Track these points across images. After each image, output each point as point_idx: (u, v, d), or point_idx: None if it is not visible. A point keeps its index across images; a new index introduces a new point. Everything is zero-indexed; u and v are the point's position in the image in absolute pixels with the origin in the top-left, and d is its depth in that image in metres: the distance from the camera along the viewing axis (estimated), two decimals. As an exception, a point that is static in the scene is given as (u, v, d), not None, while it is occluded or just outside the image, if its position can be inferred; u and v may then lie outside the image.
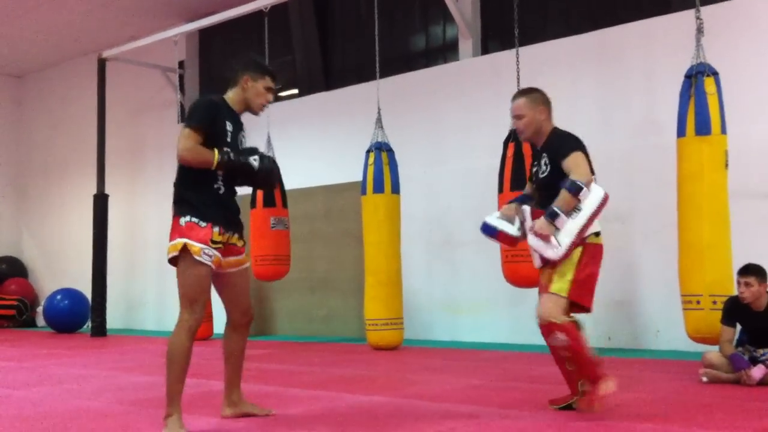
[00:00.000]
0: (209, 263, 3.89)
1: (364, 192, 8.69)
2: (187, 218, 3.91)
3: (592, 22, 9.06)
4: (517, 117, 4.45)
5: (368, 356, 7.89)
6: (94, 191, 12.14)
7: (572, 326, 4.15)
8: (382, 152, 8.65)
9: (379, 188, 8.60)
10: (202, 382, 5.95)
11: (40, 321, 14.02)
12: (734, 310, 5.46)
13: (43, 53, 14.83)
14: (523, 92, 4.57)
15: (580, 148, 4.29)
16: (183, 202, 3.97)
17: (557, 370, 6.19)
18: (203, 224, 3.89)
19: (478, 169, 9.20)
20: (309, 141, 11.11)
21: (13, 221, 16.28)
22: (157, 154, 13.31)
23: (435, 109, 10.06)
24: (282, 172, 9.77)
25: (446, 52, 10.55)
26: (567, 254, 4.13)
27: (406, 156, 9.24)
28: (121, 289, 13.42)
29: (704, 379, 5.43)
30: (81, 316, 12.78)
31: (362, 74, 10.67)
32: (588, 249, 4.19)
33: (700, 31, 6.56)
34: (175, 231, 3.94)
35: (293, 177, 10.36)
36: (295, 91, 11.96)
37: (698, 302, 6.02)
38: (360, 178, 8.81)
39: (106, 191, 12.14)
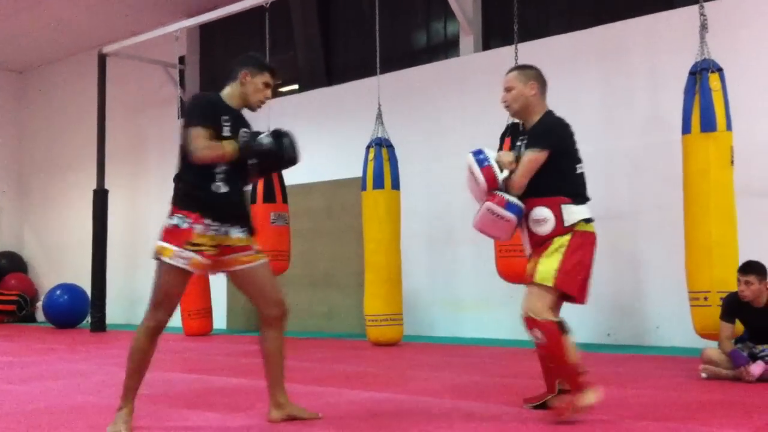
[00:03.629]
0: (183, 266, 3.80)
1: (364, 188, 8.68)
2: (172, 220, 3.86)
3: (594, 18, 9.04)
4: (506, 89, 4.32)
5: (369, 352, 7.89)
6: (95, 186, 12.14)
7: (553, 326, 3.88)
8: (382, 148, 8.64)
9: (379, 184, 8.59)
10: (203, 377, 5.95)
11: (40, 316, 14.02)
12: (734, 306, 5.46)
13: (44, 49, 14.82)
14: (516, 66, 4.49)
15: (551, 146, 4.10)
16: (176, 199, 3.94)
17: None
18: (184, 225, 3.81)
19: (479, 165, 9.19)
20: (310, 136, 11.05)
21: (13, 216, 16.29)
22: (158, 150, 13.31)
23: (436, 104, 10.05)
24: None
25: (447, 48, 10.54)
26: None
27: (406, 152, 9.23)
28: (122, 285, 13.42)
29: (704, 375, 5.43)
30: (81, 311, 12.79)
31: (363, 70, 10.65)
32: (576, 236, 4.01)
33: (704, 27, 6.54)
34: (162, 231, 3.89)
35: (294, 172, 10.28)
36: (296, 86, 11.95)
37: (706, 299, 6.03)
38: (361, 173, 8.80)
39: (107, 187, 12.14)
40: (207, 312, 10.63)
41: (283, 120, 10.96)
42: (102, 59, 12.36)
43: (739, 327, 5.52)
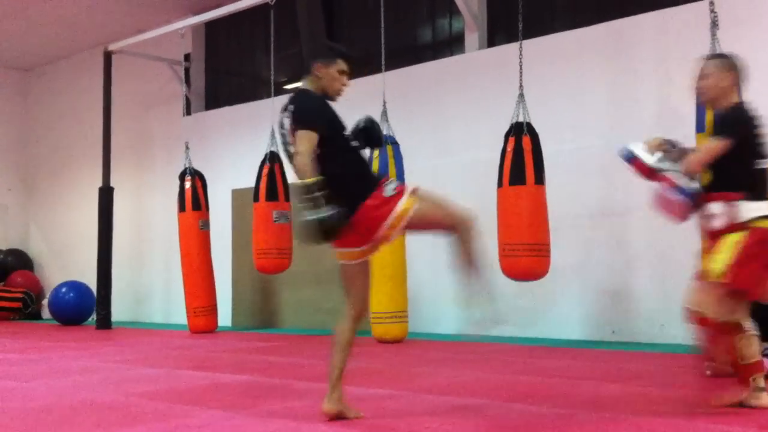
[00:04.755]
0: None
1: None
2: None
3: (600, 14, 9.01)
4: (701, 77, 4.29)
5: (373, 349, 7.89)
6: (100, 184, 12.16)
7: (715, 323, 3.88)
8: (387, 145, 8.63)
9: (384, 181, 8.57)
10: (208, 374, 5.96)
11: (46, 313, 14.06)
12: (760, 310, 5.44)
13: (50, 46, 14.85)
14: (715, 55, 4.54)
15: (735, 136, 4.00)
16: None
17: (562, 364, 6.20)
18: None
19: (484, 161, 9.16)
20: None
21: (20, 214, 16.33)
22: (164, 147, 13.33)
23: (440, 101, 10.04)
24: (285, 166, 9.80)
25: (452, 44, 10.52)
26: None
27: (411, 149, 9.22)
28: (128, 282, 13.45)
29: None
30: (86, 308, 12.82)
31: (368, 66, 10.64)
32: (753, 232, 3.92)
33: (714, 23, 6.51)
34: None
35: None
36: (301, 83, 11.95)
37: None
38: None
39: (113, 184, 12.16)
40: (212, 309, 10.65)
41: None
42: (107, 57, 12.37)
43: None
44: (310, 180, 3.69)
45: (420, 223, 3.94)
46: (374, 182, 3.93)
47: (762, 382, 4.09)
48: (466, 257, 4.01)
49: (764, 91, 7.30)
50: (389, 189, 3.88)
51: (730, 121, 4.11)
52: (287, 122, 3.99)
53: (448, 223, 3.94)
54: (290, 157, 3.97)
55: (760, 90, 7.17)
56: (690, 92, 6.48)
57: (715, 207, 4.04)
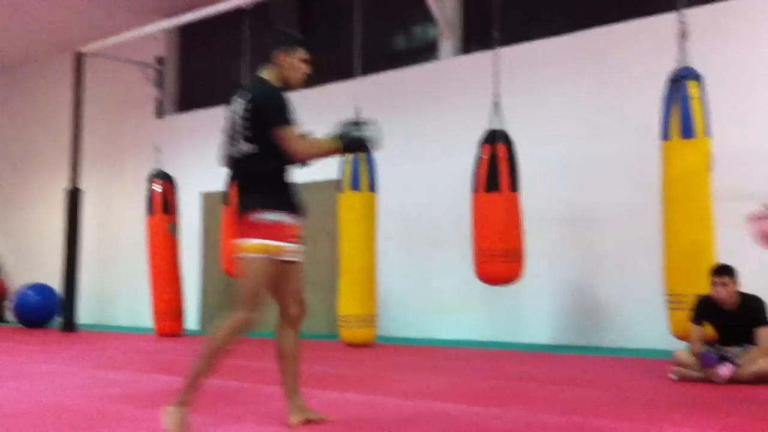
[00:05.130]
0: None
1: (340, 189, 8.65)
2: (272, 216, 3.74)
3: (574, 23, 9.08)
4: None
5: (341, 353, 7.84)
6: (68, 186, 12.01)
7: None
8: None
9: (355, 186, 8.56)
10: (172, 378, 5.88)
11: (10, 316, 13.84)
12: (704, 308, 5.52)
13: (21, 48, 14.67)
14: None
15: None
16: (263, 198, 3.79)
17: (531, 369, 6.20)
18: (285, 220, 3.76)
19: (457, 168, 9.18)
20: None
21: (-15, 215, 16.08)
22: (135, 150, 13.20)
23: (414, 108, 10.05)
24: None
25: (427, 51, 10.54)
26: None
27: (385, 155, 9.18)
28: (94, 284, 13.28)
29: (674, 377, 5.46)
30: (51, 311, 12.64)
31: (342, 72, 10.63)
32: None
33: (683, 34, 6.59)
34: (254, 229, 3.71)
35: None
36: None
37: (683, 302, 6.07)
38: (336, 175, 8.76)
39: (82, 187, 12.02)
40: (179, 312, 10.55)
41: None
42: (79, 59, 12.24)
43: (711, 331, 5.55)
44: (324, 142, 3.80)
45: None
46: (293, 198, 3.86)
47: None
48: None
49: (729, 98, 7.43)
50: (273, 217, 3.73)
51: None
52: (245, 113, 3.85)
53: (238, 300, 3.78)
54: (234, 141, 3.88)
55: (725, 98, 7.31)
56: (658, 101, 6.60)
57: None
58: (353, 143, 3.89)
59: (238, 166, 3.88)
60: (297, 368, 3.95)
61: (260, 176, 3.79)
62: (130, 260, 12.96)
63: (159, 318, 10.44)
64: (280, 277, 3.83)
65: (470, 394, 5.00)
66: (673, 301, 6.33)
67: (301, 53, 3.99)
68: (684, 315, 6.04)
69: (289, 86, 3.98)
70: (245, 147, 3.82)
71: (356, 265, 8.45)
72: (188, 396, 3.71)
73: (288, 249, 3.77)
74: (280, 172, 3.83)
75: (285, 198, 3.83)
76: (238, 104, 3.90)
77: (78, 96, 12.16)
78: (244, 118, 3.82)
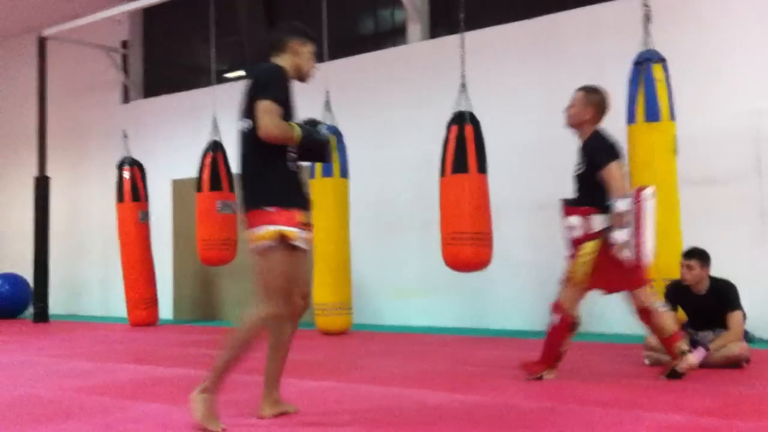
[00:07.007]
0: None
1: (312, 176, 8.63)
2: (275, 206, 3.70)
3: (540, 8, 9.10)
4: (570, 105, 5.20)
5: (317, 341, 7.87)
6: (36, 174, 11.86)
7: None
8: (330, 135, 8.58)
9: (327, 172, 8.55)
10: (147, 368, 5.87)
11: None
12: (675, 293, 5.59)
13: (-19, 31, 14.39)
14: (585, 88, 5.27)
15: (615, 157, 4.85)
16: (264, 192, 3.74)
17: (503, 354, 6.30)
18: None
19: (427, 153, 9.19)
20: (256, 124, 10.97)
21: (-50, 204, 15.80)
22: (101, 136, 13.02)
23: (383, 92, 10.04)
24: (228, 155, 9.68)
25: (395, 35, 10.52)
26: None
27: (354, 140, 9.20)
28: (65, 274, 13.14)
29: (647, 362, 5.54)
30: (22, 301, 12.50)
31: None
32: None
33: (647, 17, 6.64)
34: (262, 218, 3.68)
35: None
36: (243, 72, 11.81)
37: (651, 286, 6.15)
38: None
39: (48, 174, 11.87)
40: (153, 302, 10.48)
41: (230, 108, 10.84)
42: (42, 43, 12.04)
43: (683, 315, 5.63)
44: (293, 130, 3.69)
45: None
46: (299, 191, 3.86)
47: (684, 346, 4.81)
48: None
49: (694, 82, 7.51)
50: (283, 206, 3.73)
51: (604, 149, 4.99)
52: (246, 88, 3.81)
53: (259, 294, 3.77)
54: (239, 119, 3.83)
55: (690, 81, 7.39)
56: (623, 85, 6.66)
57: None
58: (311, 144, 3.80)
59: (240, 148, 3.87)
60: (284, 361, 3.94)
61: (264, 167, 3.74)
62: (102, 249, 12.83)
63: (132, 308, 10.37)
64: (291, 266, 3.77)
65: (443, 379, 5.06)
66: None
67: (311, 47, 3.96)
68: (653, 300, 6.13)
69: (301, 76, 3.94)
70: (244, 123, 3.81)
71: (330, 252, 8.45)
72: (214, 385, 3.70)
73: (300, 236, 3.74)
74: (275, 157, 3.74)
75: (292, 191, 3.81)
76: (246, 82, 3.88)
77: (42, 81, 11.96)
78: (245, 93, 3.80)
